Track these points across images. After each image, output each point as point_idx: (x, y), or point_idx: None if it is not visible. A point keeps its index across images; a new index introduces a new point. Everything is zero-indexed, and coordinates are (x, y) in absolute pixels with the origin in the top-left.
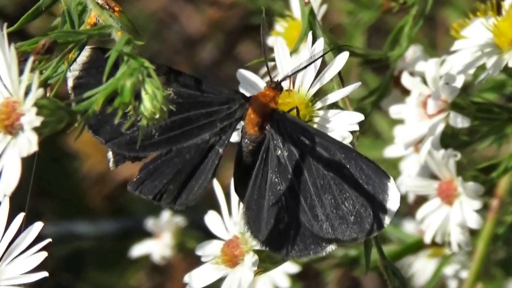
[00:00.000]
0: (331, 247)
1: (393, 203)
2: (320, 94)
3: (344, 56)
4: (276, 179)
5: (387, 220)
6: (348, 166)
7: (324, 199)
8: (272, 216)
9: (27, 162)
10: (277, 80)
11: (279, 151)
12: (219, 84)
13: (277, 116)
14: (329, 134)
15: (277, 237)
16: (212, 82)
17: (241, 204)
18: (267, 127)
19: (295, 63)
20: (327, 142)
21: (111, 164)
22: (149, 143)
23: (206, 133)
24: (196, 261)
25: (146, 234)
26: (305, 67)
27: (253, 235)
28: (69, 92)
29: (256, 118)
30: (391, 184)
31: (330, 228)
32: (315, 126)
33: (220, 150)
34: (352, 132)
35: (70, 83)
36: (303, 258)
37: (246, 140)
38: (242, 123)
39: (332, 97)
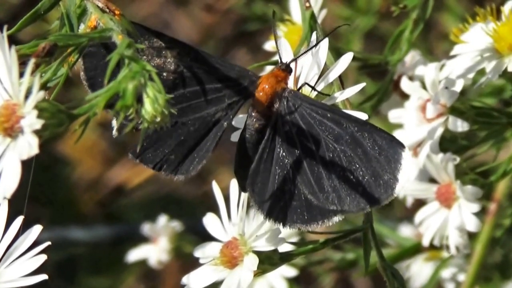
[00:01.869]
0: (337, 218)
1: (404, 172)
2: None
3: (348, 57)
4: (283, 153)
5: (396, 189)
6: (360, 139)
7: (333, 171)
8: (277, 189)
9: (24, 167)
10: (286, 62)
11: (288, 127)
12: (231, 61)
13: (287, 94)
14: None
15: (282, 209)
16: (221, 58)
17: (241, 193)
18: (276, 105)
19: (299, 64)
20: (338, 117)
21: (114, 131)
22: None
23: (213, 108)
24: (189, 265)
25: (139, 240)
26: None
27: (258, 207)
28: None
29: (267, 96)
30: (404, 153)
31: (337, 199)
32: None
33: (224, 124)
34: None
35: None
36: (308, 228)
37: (253, 118)
38: (250, 101)
39: (345, 94)
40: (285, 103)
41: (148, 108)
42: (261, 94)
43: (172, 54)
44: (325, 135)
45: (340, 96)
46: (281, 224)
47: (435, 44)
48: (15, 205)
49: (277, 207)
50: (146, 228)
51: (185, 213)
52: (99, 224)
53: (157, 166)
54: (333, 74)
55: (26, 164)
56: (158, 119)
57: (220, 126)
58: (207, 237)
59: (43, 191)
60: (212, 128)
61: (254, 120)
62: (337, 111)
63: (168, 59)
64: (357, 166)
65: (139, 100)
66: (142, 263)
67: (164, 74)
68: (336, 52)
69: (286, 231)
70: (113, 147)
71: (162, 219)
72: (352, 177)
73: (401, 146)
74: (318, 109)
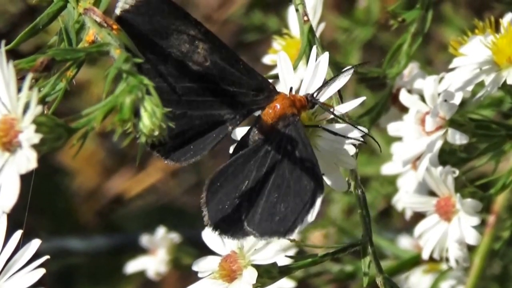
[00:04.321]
0: (249, 238)
1: (309, 217)
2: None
3: (349, 72)
4: (250, 168)
5: (298, 229)
6: (303, 176)
7: (272, 196)
8: (227, 195)
9: (23, 178)
10: (317, 98)
11: (269, 147)
12: (255, 69)
13: (291, 120)
14: (334, 146)
15: (219, 211)
16: (248, 64)
17: None
18: (278, 126)
19: (298, 78)
20: (305, 153)
21: None
22: (172, 99)
23: (224, 109)
24: (188, 275)
25: (138, 250)
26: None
27: (204, 203)
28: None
29: (274, 114)
30: (318, 200)
31: (258, 220)
32: (319, 139)
33: (230, 128)
34: (356, 146)
35: (117, 12)
36: (224, 237)
37: (256, 130)
38: (259, 112)
39: (342, 108)
40: (284, 127)
41: (146, 122)
42: (270, 111)
43: (203, 47)
44: (287, 165)
45: (339, 110)
46: (208, 223)
47: (434, 55)
48: (15, 216)
49: (217, 209)
50: (145, 239)
51: (184, 224)
52: (97, 234)
53: (151, 143)
54: (333, 89)
55: (26, 176)
56: (156, 132)
57: (224, 128)
58: (205, 248)
59: (42, 201)
60: (216, 128)
61: (256, 131)
62: (307, 147)
63: (198, 50)
64: (289, 198)
65: (136, 114)
66: (141, 273)
67: (190, 63)
68: (335, 66)
69: (284, 243)
70: (112, 157)
71: (161, 231)
72: (280, 206)
73: (320, 192)
74: (297, 142)
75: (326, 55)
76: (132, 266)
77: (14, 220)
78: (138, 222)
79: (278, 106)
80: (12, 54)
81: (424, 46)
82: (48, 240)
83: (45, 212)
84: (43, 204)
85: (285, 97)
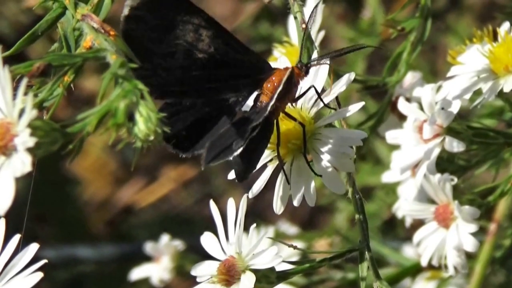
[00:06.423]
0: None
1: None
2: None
3: (345, 79)
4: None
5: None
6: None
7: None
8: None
9: (28, 186)
10: (306, 63)
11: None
12: (253, 51)
13: None
14: (332, 149)
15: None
16: (247, 46)
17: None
18: None
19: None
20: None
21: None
22: (177, 90)
23: (229, 93)
24: (194, 284)
25: (147, 259)
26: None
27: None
28: (121, 20)
29: (273, 87)
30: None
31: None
32: (319, 142)
33: (236, 109)
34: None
35: (125, 11)
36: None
37: (258, 107)
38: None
39: (340, 113)
40: None
41: (141, 126)
42: (269, 85)
43: (207, 34)
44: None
45: (336, 115)
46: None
47: (441, 66)
48: (22, 224)
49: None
50: (149, 247)
51: (193, 234)
52: (107, 243)
53: (169, 140)
54: (333, 93)
55: (27, 182)
56: (152, 137)
57: (231, 112)
58: (208, 256)
59: (53, 210)
60: (223, 112)
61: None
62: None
63: (202, 37)
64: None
65: (131, 118)
66: (149, 282)
67: (196, 51)
68: (336, 75)
69: (285, 251)
70: (122, 167)
71: (165, 238)
72: None
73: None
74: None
75: (327, 62)
76: (136, 273)
77: (20, 228)
78: (148, 231)
79: (274, 78)
80: (19, 61)
81: (431, 56)
82: (58, 248)
83: (56, 221)
84: (54, 213)
85: (281, 70)
